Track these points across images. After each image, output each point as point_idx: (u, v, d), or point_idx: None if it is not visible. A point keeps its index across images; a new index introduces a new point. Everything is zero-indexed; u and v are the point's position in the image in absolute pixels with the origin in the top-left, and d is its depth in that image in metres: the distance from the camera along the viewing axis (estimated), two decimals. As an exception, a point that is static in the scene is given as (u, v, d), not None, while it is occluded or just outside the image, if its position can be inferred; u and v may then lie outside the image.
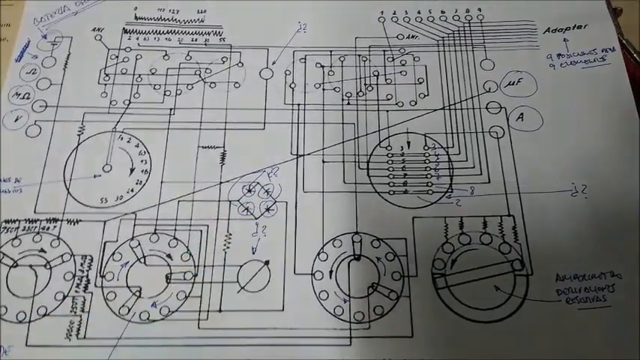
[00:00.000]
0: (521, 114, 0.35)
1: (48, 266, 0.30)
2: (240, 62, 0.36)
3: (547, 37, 0.37)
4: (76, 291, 0.30)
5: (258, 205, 0.32)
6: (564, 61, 0.36)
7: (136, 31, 0.37)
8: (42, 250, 0.31)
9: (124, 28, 0.37)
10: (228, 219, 0.32)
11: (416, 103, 0.35)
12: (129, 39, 0.37)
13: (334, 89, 0.36)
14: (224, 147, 0.34)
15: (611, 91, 0.35)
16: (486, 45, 0.37)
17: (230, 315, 0.29)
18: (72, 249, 0.31)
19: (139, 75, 0.36)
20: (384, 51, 0.37)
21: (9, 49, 0.36)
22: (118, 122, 0.34)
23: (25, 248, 0.31)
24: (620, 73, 0.35)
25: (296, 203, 0.32)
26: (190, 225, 0.31)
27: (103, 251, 0.31)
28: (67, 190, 0.32)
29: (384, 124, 0.35)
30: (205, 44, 0.37)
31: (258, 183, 0.33)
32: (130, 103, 0.35)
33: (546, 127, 0.34)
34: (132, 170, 0.33)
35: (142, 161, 0.33)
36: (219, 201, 0.32)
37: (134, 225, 0.31)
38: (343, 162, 0.33)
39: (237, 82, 0.36)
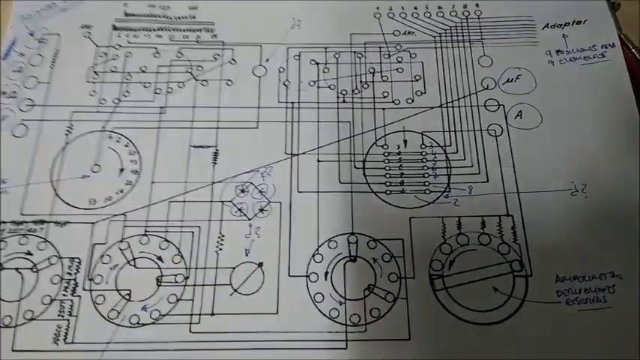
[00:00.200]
0: (520, 112, 0.34)
1: (35, 269, 0.29)
2: (232, 59, 0.35)
3: (546, 33, 0.36)
4: (64, 294, 0.29)
5: (251, 205, 0.31)
6: (563, 57, 0.35)
7: (125, 28, 0.36)
8: (28, 253, 0.30)
9: (113, 25, 0.36)
10: (221, 220, 0.31)
11: (413, 101, 0.34)
12: (118, 36, 0.36)
13: (329, 87, 0.35)
14: (216, 146, 0.33)
15: (612, 88, 0.34)
16: (484, 41, 0.36)
17: (223, 318, 0.29)
18: (59, 251, 0.30)
19: (129, 73, 0.35)
20: (380, 47, 0.36)
21: (-3, 45, 0.35)
22: (107, 121, 0.33)
23: (12, 251, 0.30)
24: (621, 70, 0.35)
25: (290, 204, 0.31)
26: (182, 226, 0.31)
27: (92, 254, 0.30)
28: (55, 191, 0.31)
29: (380, 123, 0.34)
30: (197, 41, 0.36)
31: (251, 183, 0.32)
32: (119, 101, 0.34)
33: (545, 124, 0.33)
34: (121, 170, 0.32)
35: (131, 161, 0.32)
36: (211, 202, 0.31)
37: (124, 226, 0.31)
38: (339, 161, 0.33)
39: (229, 80, 0.35)
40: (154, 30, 0.36)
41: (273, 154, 0.33)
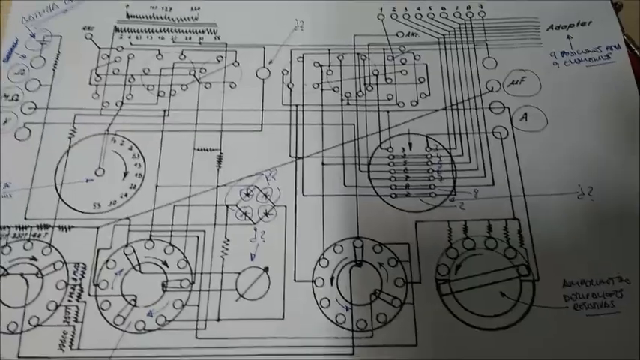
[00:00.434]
0: (525, 114, 0.34)
1: (40, 274, 0.29)
2: (235, 61, 0.35)
3: (550, 35, 0.36)
4: (69, 300, 0.29)
5: (256, 209, 0.31)
6: (568, 59, 0.35)
7: (127, 29, 0.36)
8: (33, 258, 0.30)
9: (115, 27, 0.36)
10: (226, 224, 0.31)
11: (417, 103, 0.34)
12: (120, 38, 0.35)
13: (333, 89, 0.35)
14: (220, 149, 0.33)
15: (617, 90, 0.34)
16: (488, 43, 0.36)
17: (229, 324, 0.29)
18: (64, 256, 0.30)
19: (132, 75, 0.34)
20: (384, 49, 0.36)
21: (-2, 48, 0.35)
22: (110, 124, 0.33)
23: (16, 256, 0.30)
24: (626, 71, 0.35)
25: (295, 207, 0.31)
26: (186, 231, 0.30)
27: (97, 258, 0.30)
28: (59, 195, 0.31)
29: (384, 125, 0.34)
30: (200, 43, 0.36)
31: (256, 187, 0.32)
32: (122, 104, 0.34)
33: (551, 127, 0.33)
34: (125, 174, 0.32)
35: (135, 165, 0.32)
36: (216, 205, 0.31)
37: (128, 231, 0.30)
38: (343, 164, 0.32)
39: (233, 82, 0.34)
40: (157, 32, 0.36)
41: (278, 158, 0.33)
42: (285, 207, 0.31)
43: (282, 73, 0.35)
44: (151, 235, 0.30)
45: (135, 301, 0.29)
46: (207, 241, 0.30)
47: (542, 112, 0.34)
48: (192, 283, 0.29)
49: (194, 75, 0.35)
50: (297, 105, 0.34)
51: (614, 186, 0.32)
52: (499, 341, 0.28)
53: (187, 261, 0.30)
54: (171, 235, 0.30)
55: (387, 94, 0.34)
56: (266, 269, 0.30)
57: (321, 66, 0.35)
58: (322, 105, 0.34)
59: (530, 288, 0.29)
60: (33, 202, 0.31)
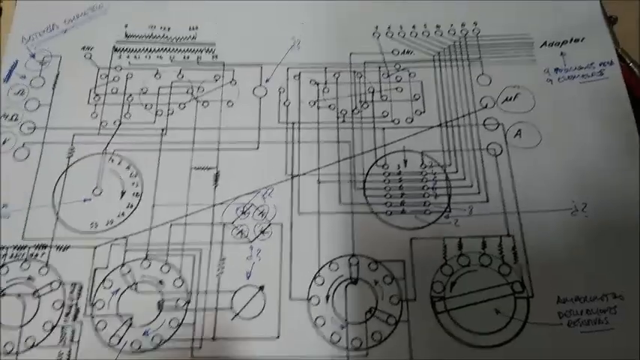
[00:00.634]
0: (519, 130, 0.34)
1: (36, 295, 0.29)
2: (233, 80, 0.35)
3: (544, 51, 0.36)
4: (65, 320, 0.29)
5: (252, 227, 0.31)
6: (562, 75, 0.36)
7: (126, 49, 0.36)
8: (30, 278, 0.30)
9: (114, 47, 0.36)
10: (222, 242, 0.31)
11: (412, 120, 0.34)
12: (119, 57, 0.36)
13: (329, 107, 0.35)
14: (217, 168, 0.33)
15: (611, 106, 0.34)
16: (483, 60, 0.36)
17: (224, 343, 0.29)
18: (61, 276, 0.30)
19: (130, 94, 0.35)
20: (379, 67, 0.36)
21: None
22: (108, 144, 0.33)
23: (13, 276, 0.30)
24: (619, 88, 0.35)
25: (291, 225, 0.32)
26: (183, 249, 0.31)
27: (93, 278, 0.30)
28: (57, 214, 0.31)
29: (380, 142, 0.34)
30: (198, 62, 0.36)
31: (252, 204, 0.32)
32: (120, 123, 0.34)
33: (545, 143, 0.34)
34: (123, 193, 0.32)
35: (133, 184, 0.32)
36: (212, 224, 0.31)
37: (125, 250, 0.31)
38: (339, 182, 0.33)
39: (230, 101, 0.35)
40: (155, 51, 0.36)
41: (274, 175, 0.33)
42: (281, 225, 0.32)
43: (279, 92, 0.35)
44: (147, 255, 0.30)
45: (131, 320, 0.29)
46: (204, 260, 0.30)
47: (536, 129, 0.34)
48: (188, 302, 0.29)
49: (192, 94, 0.35)
50: (293, 123, 0.34)
51: (608, 202, 0.32)
52: (494, 359, 0.28)
53: (183, 280, 0.30)
54: (167, 254, 0.31)
55: (382, 111, 0.35)
56: (262, 288, 0.30)
57: (317, 84, 0.36)
58: (318, 123, 0.34)
59: (525, 305, 0.29)
60: (31, 222, 0.31)
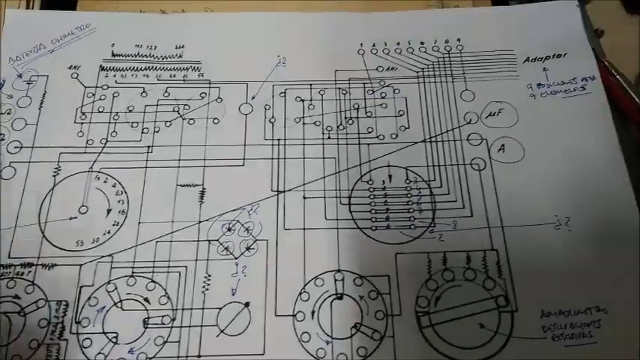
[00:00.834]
0: (503, 145, 0.34)
1: (22, 313, 0.29)
2: (219, 97, 0.36)
3: (527, 67, 0.37)
4: (51, 338, 0.29)
5: (238, 244, 0.32)
6: (544, 90, 0.36)
7: (113, 68, 0.37)
8: (16, 297, 0.30)
9: (100, 65, 0.37)
10: (207, 259, 0.31)
11: (397, 136, 0.35)
12: (106, 76, 0.36)
13: (314, 123, 0.35)
14: (203, 185, 0.33)
15: (593, 121, 0.35)
16: (466, 76, 0.37)
17: (209, 360, 0.29)
18: (47, 294, 0.30)
19: (117, 113, 0.35)
20: (364, 84, 0.37)
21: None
22: (94, 162, 0.33)
23: (-1, 295, 0.30)
24: (601, 102, 0.35)
25: (277, 241, 0.32)
26: (168, 267, 0.31)
27: (79, 296, 0.30)
28: (43, 233, 0.31)
29: (365, 158, 0.34)
30: (184, 80, 0.36)
31: (238, 221, 0.32)
32: (106, 141, 0.34)
33: (528, 158, 0.34)
34: (109, 211, 0.32)
35: (119, 201, 0.32)
36: (198, 241, 0.32)
37: (111, 268, 0.31)
38: (324, 197, 0.33)
39: (216, 118, 0.35)
40: (142, 69, 0.37)
41: (260, 192, 0.33)
42: (267, 241, 0.32)
43: (265, 108, 0.36)
44: (133, 272, 0.31)
45: (116, 338, 0.29)
46: (189, 277, 0.31)
47: (519, 144, 0.34)
48: (173, 319, 0.30)
49: (178, 111, 0.35)
50: (279, 139, 0.35)
51: (592, 216, 0.32)
52: (478, 374, 0.28)
53: (169, 297, 0.30)
54: (153, 272, 0.31)
55: (367, 127, 0.35)
56: (247, 304, 0.30)
57: (302, 100, 0.36)
58: (304, 139, 0.35)
59: (509, 319, 0.30)
60: (17, 241, 0.31)
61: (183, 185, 0.33)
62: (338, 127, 0.35)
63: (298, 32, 0.38)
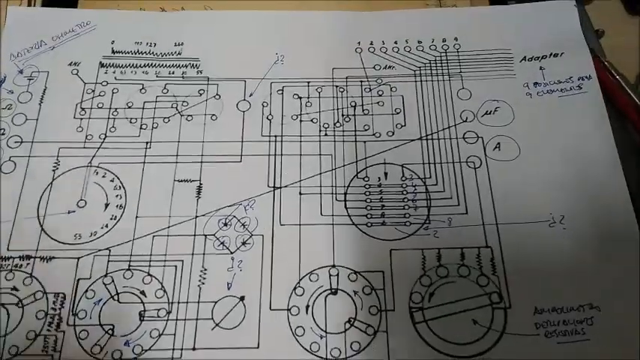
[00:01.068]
0: (498, 144, 0.35)
1: (20, 305, 0.30)
2: (217, 94, 0.36)
3: (523, 66, 0.37)
4: (48, 330, 0.29)
5: (234, 239, 0.32)
6: (541, 89, 0.36)
7: (112, 64, 0.37)
8: (14, 289, 0.30)
9: (100, 62, 0.37)
10: (204, 254, 0.31)
11: (393, 134, 0.35)
12: (105, 73, 0.37)
13: (312, 120, 0.36)
14: (200, 180, 0.33)
15: (589, 120, 0.35)
16: (463, 74, 0.37)
17: (204, 353, 0.29)
18: (44, 287, 0.30)
19: (116, 109, 0.35)
20: (362, 82, 0.37)
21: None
22: (93, 157, 0.34)
23: (-3, 286, 0.30)
24: (597, 101, 0.36)
25: (272, 236, 0.32)
26: (165, 260, 0.31)
27: (76, 288, 0.30)
28: (41, 226, 0.32)
29: (361, 155, 0.34)
30: (182, 77, 0.37)
31: (234, 216, 0.32)
32: (105, 137, 0.34)
33: (523, 156, 0.34)
34: (106, 205, 0.32)
35: (116, 196, 0.33)
36: (194, 235, 0.32)
37: (108, 261, 0.31)
38: (320, 194, 0.33)
39: (214, 115, 0.36)
40: (141, 66, 0.37)
41: (256, 188, 0.33)
42: (263, 236, 0.32)
43: (263, 106, 0.36)
44: (130, 265, 0.31)
45: (112, 330, 0.29)
46: (185, 271, 0.31)
47: (515, 142, 0.35)
48: (169, 312, 0.30)
49: (176, 108, 0.36)
50: (276, 136, 0.35)
51: (586, 214, 0.32)
52: (471, 369, 0.29)
53: (165, 290, 0.30)
54: (149, 265, 0.31)
55: (364, 124, 0.35)
56: (242, 298, 0.30)
57: (300, 98, 0.36)
58: (301, 136, 0.35)
59: (502, 315, 0.30)
60: (16, 234, 0.32)
61: (181, 181, 0.33)
62: (335, 124, 0.35)
63: (296, 30, 0.38)
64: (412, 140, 0.35)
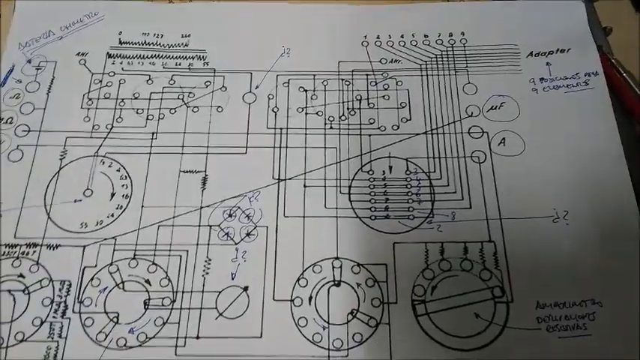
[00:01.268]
0: (503, 139, 0.35)
1: (26, 291, 0.30)
2: (223, 86, 0.36)
3: (530, 61, 0.37)
4: (54, 317, 0.30)
5: (238, 230, 0.32)
6: (547, 85, 0.36)
7: (120, 55, 0.37)
8: (21, 276, 0.31)
9: (108, 53, 0.37)
10: (208, 244, 0.32)
11: (398, 128, 0.35)
12: (113, 63, 0.37)
13: (317, 113, 0.36)
14: (205, 171, 0.34)
15: (594, 116, 0.35)
16: (469, 69, 0.37)
17: (208, 342, 0.29)
18: (51, 274, 0.31)
19: (122, 99, 0.36)
20: (367, 75, 0.37)
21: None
22: (100, 147, 0.34)
23: (4, 273, 0.31)
24: (603, 98, 0.35)
25: (277, 228, 0.32)
26: (170, 250, 0.31)
27: (82, 277, 0.31)
28: (48, 214, 0.32)
29: (366, 149, 0.35)
30: (189, 68, 0.37)
31: (239, 207, 0.33)
32: (112, 127, 0.35)
33: (528, 152, 0.34)
34: (113, 195, 0.33)
35: (123, 186, 0.33)
36: (199, 226, 0.32)
37: (114, 250, 0.31)
38: (325, 186, 0.33)
39: (220, 107, 0.36)
40: (148, 57, 0.37)
41: (261, 179, 0.34)
42: (267, 227, 0.32)
43: (268, 98, 0.36)
44: (135, 255, 0.31)
45: (117, 318, 0.30)
46: (190, 261, 0.31)
47: (520, 137, 0.35)
48: (173, 301, 0.30)
49: (182, 99, 0.36)
50: (281, 128, 0.35)
51: (590, 211, 0.32)
52: (472, 362, 0.29)
53: (170, 280, 0.31)
54: (154, 255, 0.31)
55: (369, 118, 0.36)
56: (246, 288, 0.31)
57: (305, 91, 0.36)
58: (306, 129, 0.35)
59: (504, 309, 0.30)
60: (23, 221, 0.32)
61: (186, 171, 0.34)
62: (340, 117, 0.36)
63: (303, 23, 0.38)
64: (417, 134, 0.35)
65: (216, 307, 0.30)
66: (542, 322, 0.30)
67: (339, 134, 0.35)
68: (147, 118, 0.35)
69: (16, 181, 0.33)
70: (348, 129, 0.35)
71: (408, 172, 0.34)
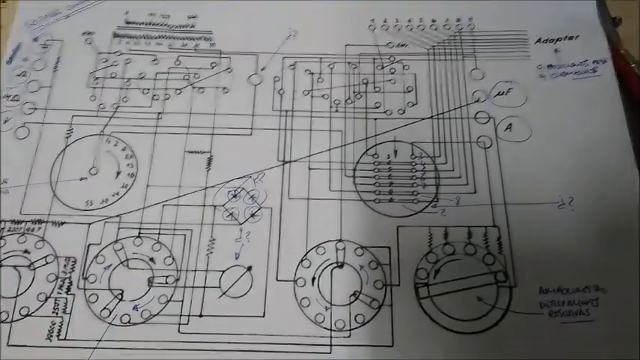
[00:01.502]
0: (510, 124, 0.35)
1: (32, 267, 0.30)
2: (229, 68, 0.36)
3: (538, 48, 0.37)
4: (59, 292, 0.30)
5: (242, 210, 0.32)
6: (555, 71, 0.36)
7: (126, 35, 0.37)
8: (26, 251, 0.31)
9: (114, 32, 0.37)
10: (212, 224, 0.32)
11: (404, 112, 0.35)
12: (119, 43, 0.37)
13: (323, 96, 0.36)
14: (211, 152, 0.34)
15: (602, 103, 0.35)
16: (477, 54, 0.37)
17: (210, 320, 0.29)
18: (56, 251, 0.31)
19: (128, 79, 0.36)
20: (374, 59, 0.37)
21: (0, 51, 0.36)
22: (105, 126, 0.34)
23: (10, 249, 0.31)
24: (611, 85, 0.35)
25: (281, 209, 0.32)
26: (174, 229, 0.32)
27: (87, 253, 0.31)
28: (53, 192, 0.32)
29: (371, 132, 0.34)
30: (195, 49, 0.37)
31: (243, 189, 0.33)
32: (118, 106, 0.35)
33: (534, 138, 0.34)
34: (118, 174, 0.33)
35: (128, 165, 0.33)
36: (203, 206, 0.32)
37: (118, 228, 0.31)
38: (329, 169, 0.33)
39: (225, 88, 0.36)
40: (154, 38, 0.37)
41: (266, 161, 0.34)
42: (271, 209, 0.32)
43: (274, 80, 0.36)
44: (139, 233, 0.31)
45: (121, 295, 0.30)
46: (194, 240, 0.31)
47: (526, 123, 0.34)
48: (177, 279, 0.30)
49: (188, 80, 0.36)
50: (287, 111, 0.35)
51: (595, 197, 0.32)
52: (474, 345, 0.29)
53: (174, 258, 0.31)
54: (159, 233, 0.31)
55: (375, 102, 0.35)
56: (249, 268, 0.31)
57: (312, 74, 0.36)
58: (311, 111, 0.35)
59: (507, 294, 0.30)
60: (28, 198, 0.32)
61: (192, 152, 0.34)
62: (346, 101, 0.35)
63: (310, 6, 0.38)
64: (423, 119, 0.35)
65: (219, 286, 0.30)
66: (545, 308, 0.30)
67: (345, 117, 0.35)
68: (152, 98, 0.35)
69: (22, 159, 0.33)
70: (354, 112, 0.35)
71: (413, 157, 0.34)
